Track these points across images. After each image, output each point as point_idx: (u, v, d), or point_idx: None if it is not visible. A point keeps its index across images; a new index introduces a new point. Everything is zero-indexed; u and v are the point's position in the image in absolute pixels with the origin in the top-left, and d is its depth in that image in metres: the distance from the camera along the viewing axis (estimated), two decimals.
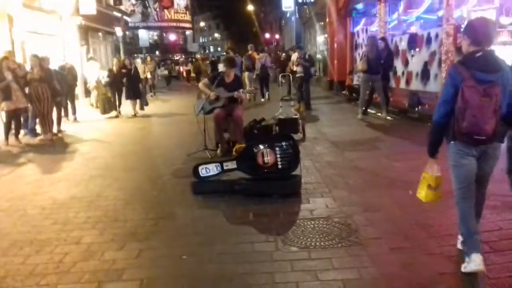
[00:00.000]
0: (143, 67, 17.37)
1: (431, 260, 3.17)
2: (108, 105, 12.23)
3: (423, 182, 3.19)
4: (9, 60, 8.70)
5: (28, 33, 13.84)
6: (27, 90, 8.63)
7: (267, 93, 14.90)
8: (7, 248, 3.64)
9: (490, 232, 3.61)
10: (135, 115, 12.19)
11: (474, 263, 2.83)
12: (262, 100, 14.45)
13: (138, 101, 12.55)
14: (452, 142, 2.98)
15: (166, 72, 27.12)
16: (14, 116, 8.49)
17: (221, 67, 6.87)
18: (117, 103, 12.43)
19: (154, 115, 12.63)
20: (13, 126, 8.52)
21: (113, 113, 12.26)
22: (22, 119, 9.12)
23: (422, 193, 3.18)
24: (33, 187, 5.48)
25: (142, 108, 12.77)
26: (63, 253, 3.51)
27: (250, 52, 15.94)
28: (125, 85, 12.11)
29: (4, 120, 8.50)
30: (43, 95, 8.49)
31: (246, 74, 14.56)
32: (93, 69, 14.70)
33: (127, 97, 12.27)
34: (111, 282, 3.03)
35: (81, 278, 3.09)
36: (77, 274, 3.15)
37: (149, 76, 18.40)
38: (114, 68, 12.58)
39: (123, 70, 12.12)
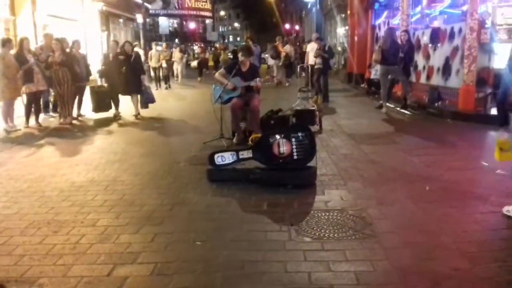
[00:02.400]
0: (157, 55, 16.73)
1: (445, 256, 3.14)
2: (103, 102, 9.76)
3: (496, 147, 3.92)
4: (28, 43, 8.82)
5: (50, 17, 14.02)
6: (47, 73, 8.78)
7: (288, 79, 17.56)
8: (25, 228, 3.73)
9: (508, 229, 3.57)
10: (136, 117, 9.63)
11: None
12: (287, 84, 16.89)
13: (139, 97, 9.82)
14: None
15: (195, 62, 24.42)
16: (34, 99, 8.64)
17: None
18: (115, 100, 9.82)
19: (158, 118, 9.84)
20: (33, 109, 8.67)
21: (111, 112, 9.82)
22: (42, 102, 9.29)
23: (497, 155, 3.92)
24: (51, 170, 5.58)
25: (144, 106, 9.85)
26: (80, 234, 3.57)
27: (276, 43, 18.54)
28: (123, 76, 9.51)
29: (25, 102, 8.67)
30: (63, 79, 8.61)
31: (273, 61, 18.14)
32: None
33: (124, 92, 9.69)
34: (125, 265, 3.08)
35: (97, 260, 3.15)
36: (92, 256, 3.20)
37: (164, 65, 16.96)
38: (110, 54, 10.19)
39: (120, 57, 9.53)
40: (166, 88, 16.70)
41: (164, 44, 19.84)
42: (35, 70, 8.50)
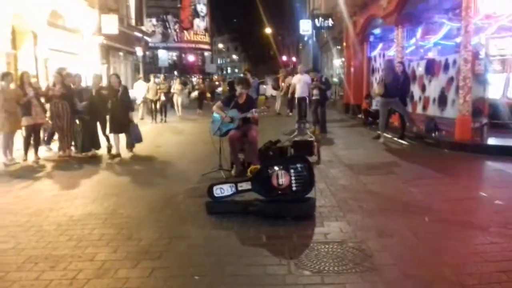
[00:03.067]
0: (155, 87, 16.28)
1: None
2: (88, 140, 8.92)
3: None
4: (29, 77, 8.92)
5: (51, 50, 14.23)
6: (48, 106, 8.86)
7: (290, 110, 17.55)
8: (22, 263, 3.68)
9: (509, 261, 3.53)
10: (116, 156, 8.70)
11: None
12: (290, 114, 16.85)
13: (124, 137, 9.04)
14: None
15: (196, 93, 24.03)
16: (33, 132, 8.67)
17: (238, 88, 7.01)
18: (99, 138, 9.10)
19: (156, 151, 9.50)
20: (32, 142, 8.70)
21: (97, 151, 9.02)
22: (42, 135, 9.33)
23: None
24: (49, 203, 5.55)
25: (129, 147, 9.08)
26: (77, 269, 3.53)
27: (279, 75, 20.46)
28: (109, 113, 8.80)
29: (24, 135, 8.69)
30: (63, 111, 8.67)
31: (275, 92, 19.98)
32: (140, 88, 16.59)
33: (110, 130, 8.88)
34: None
35: None
36: None
37: (162, 98, 16.58)
38: (93, 90, 9.15)
39: (103, 92, 8.81)
40: (162, 121, 16.33)
41: (162, 76, 19.20)
42: (34, 103, 8.56)
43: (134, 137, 9.10)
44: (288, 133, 8.52)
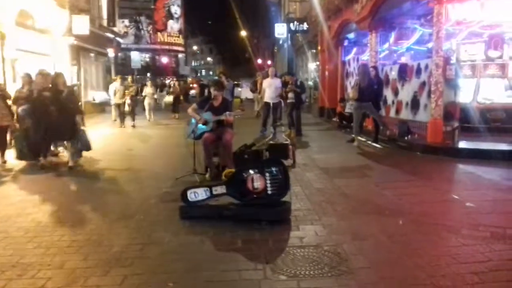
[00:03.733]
0: (122, 90, 15.16)
1: None
2: (28, 148, 7.91)
3: None
4: None
5: (20, 51, 13.84)
6: (15, 108, 8.56)
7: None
8: None
9: (480, 263, 3.58)
10: (71, 168, 7.69)
11: None
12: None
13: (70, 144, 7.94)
14: None
15: (171, 98, 22.35)
16: None
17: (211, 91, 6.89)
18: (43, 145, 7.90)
19: (127, 155, 9.30)
20: None
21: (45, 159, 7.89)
22: (9, 137, 9.01)
23: None
24: (17, 209, 5.34)
25: (78, 155, 8.19)
26: (46, 277, 3.40)
27: (257, 78, 19.19)
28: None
29: None
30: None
31: (253, 95, 19.95)
32: (112, 88, 15.65)
33: (54, 137, 8.00)
34: None
35: None
36: None
37: (128, 101, 15.50)
38: (34, 89, 8.04)
39: (45, 93, 7.64)
40: (133, 126, 15.12)
41: (129, 78, 17.62)
42: (1, 105, 8.27)
43: (81, 145, 8.19)
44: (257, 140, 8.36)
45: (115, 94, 15.29)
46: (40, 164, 7.78)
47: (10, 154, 8.58)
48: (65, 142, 8.19)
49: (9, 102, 8.71)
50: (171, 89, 24.25)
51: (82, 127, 8.44)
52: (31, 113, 7.85)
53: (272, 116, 11.86)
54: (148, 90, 17.79)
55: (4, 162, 8.29)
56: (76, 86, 13.20)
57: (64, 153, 8.58)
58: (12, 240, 4.26)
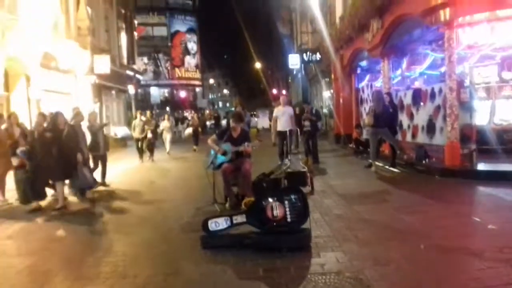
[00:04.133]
0: (141, 125, 14.91)
1: None
2: (32, 191, 7.59)
3: None
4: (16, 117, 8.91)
5: (44, 91, 14.37)
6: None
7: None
8: None
9: (505, 286, 3.55)
10: (58, 209, 7.37)
11: None
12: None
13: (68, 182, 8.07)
14: None
15: (190, 130, 21.78)
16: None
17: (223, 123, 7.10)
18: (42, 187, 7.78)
19: (149, 188, 9.31)
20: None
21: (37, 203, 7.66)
22: None
23: None
24: (44, 242, 5.49)
25: (80, 192, 8.29)
26: None
27: (274, 108, 20.04)
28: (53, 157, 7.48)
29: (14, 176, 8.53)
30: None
31: (267, 124, 19.44)
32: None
33: (54, 177, 7.71)
34: None
35: None
36: None
37: (149, 135, 15.21)
38: (34, 129, 8.01)
39: (47, 134, 7.53)
40: (150, 159, 15.00)
41: (148, 113, 16.86)
42: (22, 143, 8.53)
43: (81, 182, 8.05)
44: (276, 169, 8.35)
45: (134, 129, 15.08)
46: (34, 207, 7.54)
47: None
48: (66, 181, 8.02)
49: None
50: (190, 122, 24.68)
51: (84, 165, 8.24)
52: (31, 154, 7.70)
53: (288, 144, 11.67)
54: (165, 124, 17.70)
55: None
56: (106, 124, 13.36)
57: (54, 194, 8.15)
58: (40, 274, 4.37)
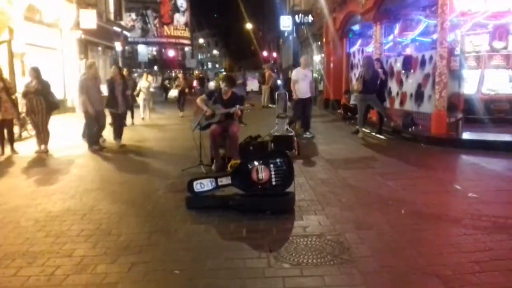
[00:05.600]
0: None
1: (421, 279, 3.19)
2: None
3: None
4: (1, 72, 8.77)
5: (28, 45, 13.96)
6: (23, 102, 8.71)
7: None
8: (0, 259, 3.64)
9: (481, 252, 3.64)
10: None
11: None
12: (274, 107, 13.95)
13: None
14: None
15: (176, 91, 19.24)
16: (5, 127, 8.54)
17: (211, 85, 7.04)
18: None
19: (136, 147, 9.38)
20: (6, 137, 8.56)
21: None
22: (18, 130, 9.17)
23: None
24: (27, 199, 5.47)
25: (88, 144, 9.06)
26: (55, 265, 3.50)
27: (265, 70, 21.45)
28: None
29: None
30: (37, 107, 8.52)
31: (256, 87, 20.89)
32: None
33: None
34: None
35: None
36: (68, 287, 3.14)
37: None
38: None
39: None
40: (131, 123, 13.64)
41: (125, 70, 13.83)
42: (3, 98, 8.40)
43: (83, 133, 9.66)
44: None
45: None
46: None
47: (20, 146, 8.76)
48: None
49: (17, 95, 8.85)
50: (176, 83, 20.77)
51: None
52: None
53: (305, 114, 10.49)
54: (143, 84, 15.08)
55: (15, 153, 8.46)
56: (128, 80, 12.05)
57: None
58: (22, 230, 4.37)
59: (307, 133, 10.42)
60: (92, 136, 9.03)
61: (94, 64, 9.38)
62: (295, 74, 10.77)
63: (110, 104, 9.16)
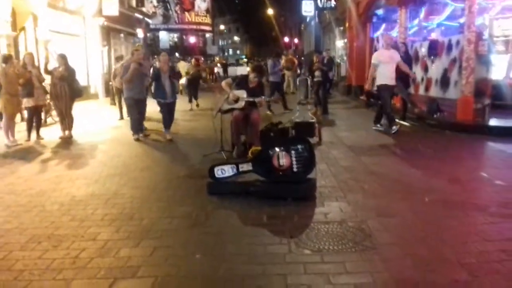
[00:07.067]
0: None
1: (445, 267, 3.14)
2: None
3: None
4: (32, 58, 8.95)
5: (52, 32, 14.15)
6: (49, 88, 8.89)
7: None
8: (25, 242, 3.73)
9: (507, 240, 3.56)
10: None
11: None
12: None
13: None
14: None
15: (185, 79, 15.80)
16: (35, 113, 8.71)
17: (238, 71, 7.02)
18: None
19: (158, 133, 9.23)
20: (34, 123, 8.74)
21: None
22: (44, 116, 9.37)
23: None
24: (52, 184, 5.59)
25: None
26: (79, 248, 3.58)
27: (290, 56, 19.66)
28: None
29: (26, 117, 8.73)
30: (61, 93, 8.67)
31: (288, 73, 17.76)
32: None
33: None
34: (125, 279, 3.08)
35: (97, 274, 3.15)
36: (92, 270, 3.20)
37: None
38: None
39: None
40: None
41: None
42: (36, 85, 8.59)
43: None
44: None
45: (114, 77, 12.29)
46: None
47: (45, 132, 8.94)
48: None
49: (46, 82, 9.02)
50: (186, 69, 16.13)
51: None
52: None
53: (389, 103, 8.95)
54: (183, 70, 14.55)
55: (41, 139, 8.65)
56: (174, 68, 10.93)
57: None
58: (47, 213, 4.47)
59: (394, 127, 8.70)
60: (133, 123, 8.74)
61: (139, 49, 9.07)
62: (376, 56, 8.93)
63: (157, 94, 8.60)
